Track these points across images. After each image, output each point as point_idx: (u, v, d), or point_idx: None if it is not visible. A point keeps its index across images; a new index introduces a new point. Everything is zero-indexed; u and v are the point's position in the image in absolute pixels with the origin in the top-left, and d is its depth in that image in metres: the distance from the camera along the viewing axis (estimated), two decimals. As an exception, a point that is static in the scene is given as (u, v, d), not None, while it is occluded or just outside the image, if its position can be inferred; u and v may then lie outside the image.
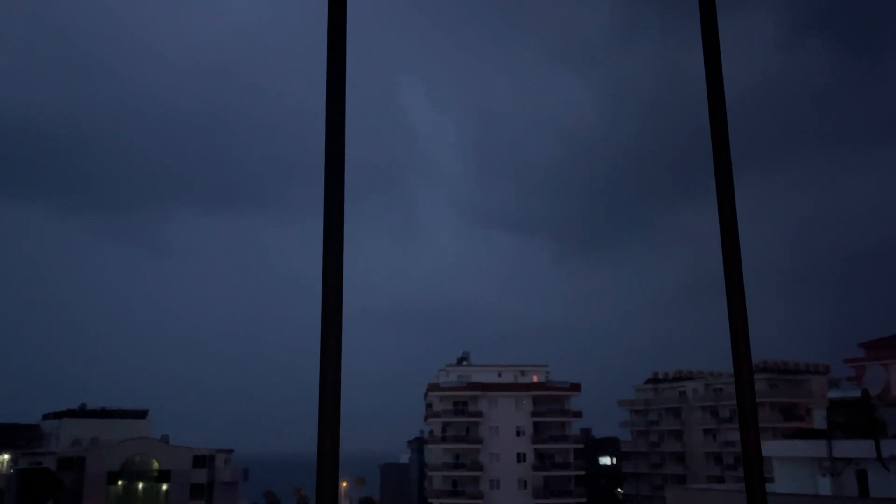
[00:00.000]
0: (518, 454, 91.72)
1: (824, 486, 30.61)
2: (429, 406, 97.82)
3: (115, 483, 78.32)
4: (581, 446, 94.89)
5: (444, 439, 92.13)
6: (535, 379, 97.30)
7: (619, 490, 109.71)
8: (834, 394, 34.29)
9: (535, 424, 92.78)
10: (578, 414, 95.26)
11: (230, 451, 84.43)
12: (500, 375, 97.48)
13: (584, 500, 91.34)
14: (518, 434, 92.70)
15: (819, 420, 33.41)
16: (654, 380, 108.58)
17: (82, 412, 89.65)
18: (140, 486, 79.24)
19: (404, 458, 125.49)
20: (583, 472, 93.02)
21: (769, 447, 34.35)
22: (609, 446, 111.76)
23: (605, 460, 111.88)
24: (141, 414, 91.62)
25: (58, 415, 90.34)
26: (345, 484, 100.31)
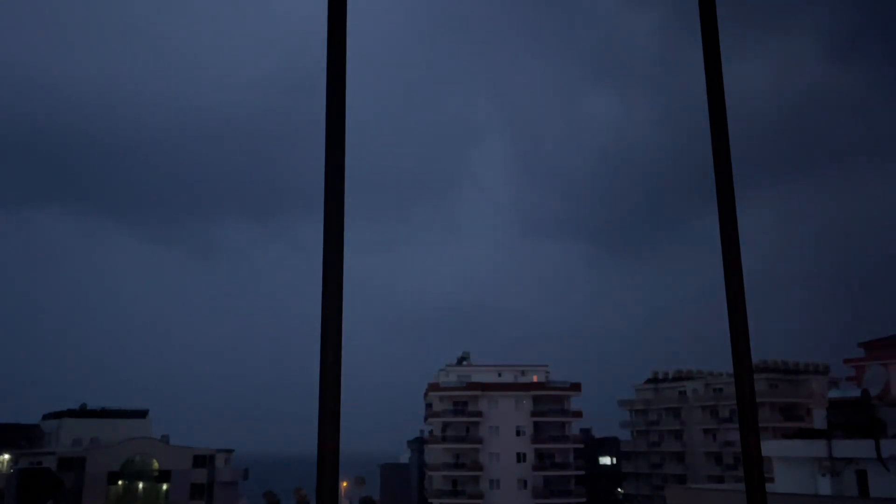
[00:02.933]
0: (518, 454, 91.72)
1: (824, 486, 30.60)
2: (429, 406, 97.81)
3: (116, 483, 78.33)
4: (581, 446, 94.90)
5: (444, 439, 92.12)
6: (535, 379, 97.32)
7: (619, 490, 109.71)
8: (834, 394, 34.27)
9: (535, 424, 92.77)
10: (578, 414, 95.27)
11: (230, 451, 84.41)
12: (500, 375, 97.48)
13: (584, 500, 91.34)
14: (518, 434, 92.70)
15: (819, 420, 33.37)
16: (654, 380, 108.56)
17: (82, 412, 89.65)
18: (140, 485, 79.26)
19: (404, 458, 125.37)
20: (583, 472, 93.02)
21: (769, 447, 34.32)
22: (609, 446, 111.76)
23: (605, 460, 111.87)
24: (141, 414, 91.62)
25: (58, 415, 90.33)
26: (345, 484, 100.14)
